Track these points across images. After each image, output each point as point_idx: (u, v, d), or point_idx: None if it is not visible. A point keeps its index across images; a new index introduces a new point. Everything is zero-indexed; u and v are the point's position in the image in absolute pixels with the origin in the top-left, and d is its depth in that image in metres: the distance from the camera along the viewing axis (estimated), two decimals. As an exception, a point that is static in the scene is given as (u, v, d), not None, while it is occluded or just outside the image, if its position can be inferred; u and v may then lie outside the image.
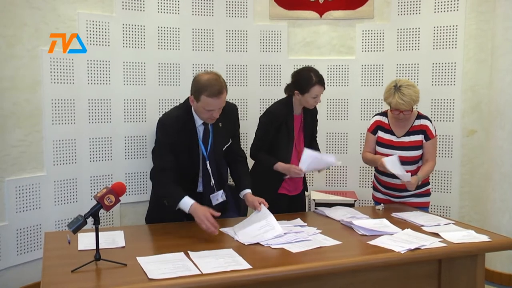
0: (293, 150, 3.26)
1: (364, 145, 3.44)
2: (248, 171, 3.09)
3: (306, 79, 3.10)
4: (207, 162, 2.81)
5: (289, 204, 3.30)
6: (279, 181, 3.25)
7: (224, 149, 2.90)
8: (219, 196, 2.89)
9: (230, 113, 2.93)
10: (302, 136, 3.32)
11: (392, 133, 3.25)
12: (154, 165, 2.86)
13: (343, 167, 4.48)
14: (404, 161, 3.17)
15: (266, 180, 3.21)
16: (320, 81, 3.11)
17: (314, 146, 3.41)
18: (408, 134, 3.22)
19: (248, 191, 2.87)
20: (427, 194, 3.34)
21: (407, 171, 3.12)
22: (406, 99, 3.05)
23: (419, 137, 3.20)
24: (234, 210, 3.44)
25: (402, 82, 3.13)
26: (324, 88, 3.16)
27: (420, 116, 3.25)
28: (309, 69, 3.17)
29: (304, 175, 3.35)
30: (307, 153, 3.09)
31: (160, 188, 2.78)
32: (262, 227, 2.58)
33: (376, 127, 3.32)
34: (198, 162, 2.82)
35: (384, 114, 3.33)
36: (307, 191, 3.50)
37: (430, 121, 3.25)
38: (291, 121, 3.21)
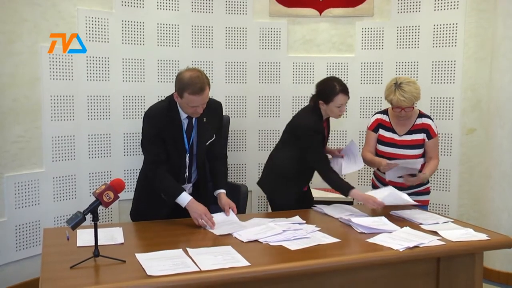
0: None
1: (364, 144, 3.41)
2: (227, 171, 3.12)
3: (330, 89, 3.09)
4: (187, 155, 2.86)
5: (298, 200, 3.29)
6: (307, 181, 3.30)
7: (207, 144, 2.93)
8: (186, 189, 2.90)
9: (215, 109, 2.98)
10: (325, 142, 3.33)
11: (394, 132, 3.24)
12: (145, 158, 2.91)
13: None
14: (404, 160, 3.17)
15: (293, 179, 3.22)
16: (344, 90, 3.08)
17: None
18: (410, 132, 3.21)
19: (223, 191, 2.94)
20: (427, 192, 3.33)
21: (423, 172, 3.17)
22: (407, 95, 3.05)
23: (421, 136, 3.19)
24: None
25: (402, 79, 3.13)
26: (349, 97, 3.13)
27: (421, 115, 3.24)
28: (332, 78, 3.17)
29: None
30: (392, 192, 2.99)
31: (156, 182, 2.82)
32: (262, 229, 2.60)
33: (377, 125, 3.30)
34: (183, 154, 2.86)
35: (384, 112, 3.32)
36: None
37: (432, 120, 3.24)
38: (323, 130, 3.21)
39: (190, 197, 2.72)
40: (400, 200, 2.95)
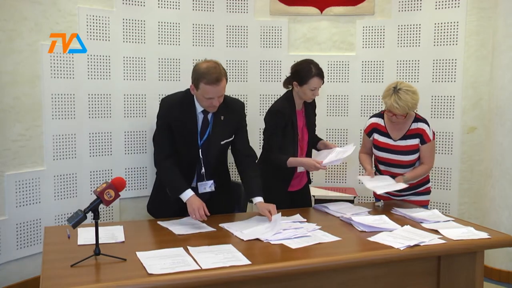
0: (298, 148, 3.22)
1: (361, 145, 3.41)
2: (258, 174, 2.92)
3: (305, 70, 3.09)
4: (200, 150, 2.82)
5: (293, 199, 3.28)
6: (289, 180, 3.23)
7: (223, 143, 2.87)
8: (207, 186, 2.87)
9: (235, 109, 2.91)
10: (306, 132, 3.28)
11: (389, 136, 3.18)
12: (156, 152, 2.88)
13: (343, 163, 4.48)
14: (400, 165, 3.16)
15: (275, 180, 3.17)
16: (319, 74, 3.09)
17: (315, 140, 3.38)
18: (404, 138, 3.14)
19: (260, 199, 2.78)
20: (427, 192, 3.30)
21: (403, 174, 3.14)
22: (401, 103, 2.97)
23: (416, 141, 3.13)
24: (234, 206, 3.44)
25: (403, 85, 3.04)
26: (323, 82, 3.13)
27: (417, 119, 3.16)
28: (309, 61, 3.15)
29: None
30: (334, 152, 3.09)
31: (163, 176, 2.82)
32: (267, 227, 2.58)
33: (372, 130, 3.26)
34: (196, 149, 2.83)
35: (380, 115, 3.27)
36: (310, 183, 3.48)
37: (428, 124, 3.16)
38: (295, 117, 3.18)
39: (192, 194, 2.68)
40: (342, 153, 3.04)
